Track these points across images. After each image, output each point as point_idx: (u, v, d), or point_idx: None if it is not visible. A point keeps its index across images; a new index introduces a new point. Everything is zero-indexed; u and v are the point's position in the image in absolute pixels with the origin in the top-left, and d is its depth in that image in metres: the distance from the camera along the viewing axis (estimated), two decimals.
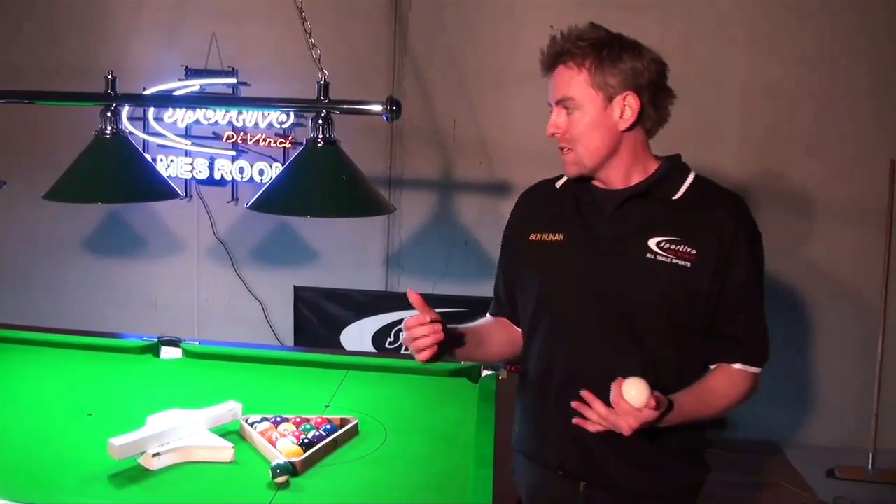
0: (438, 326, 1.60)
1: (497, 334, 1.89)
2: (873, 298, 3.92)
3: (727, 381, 1.65)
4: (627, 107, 1.60)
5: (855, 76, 3.92)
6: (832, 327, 4.10)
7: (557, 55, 1.62)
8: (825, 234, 4.06)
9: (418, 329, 1.60)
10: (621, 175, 1.66)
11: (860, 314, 4.02)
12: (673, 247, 1.60)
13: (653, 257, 1.60)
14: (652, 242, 1.61)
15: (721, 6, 3.97)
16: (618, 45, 1.60)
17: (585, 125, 1.61)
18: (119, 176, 2.32)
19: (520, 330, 1.86)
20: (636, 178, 1.66)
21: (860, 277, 4.03)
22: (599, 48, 1.59)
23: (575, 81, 1.60)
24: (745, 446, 4.02)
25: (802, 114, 4.00)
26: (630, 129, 1.62)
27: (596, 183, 1.70)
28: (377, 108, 2.08)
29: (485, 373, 2.46)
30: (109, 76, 2.30)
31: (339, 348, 4.00)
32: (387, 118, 2.10)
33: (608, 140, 1.62)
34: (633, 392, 1.45)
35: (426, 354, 1.61)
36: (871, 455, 3.84)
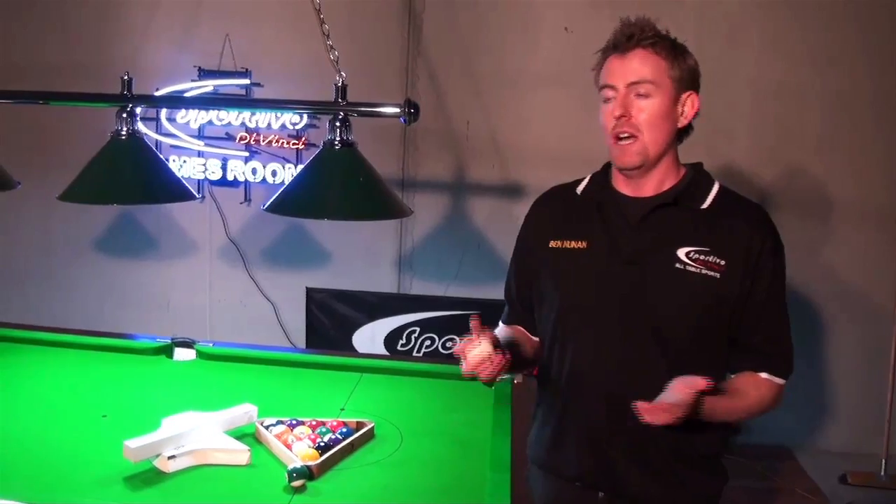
0: (499, 358, 1.56)
1: (525, 343, 1.86)
2: (885, 302, 3.89)
3: (755, 386, 1.64)
4: (689, 104, 1.61)
5: (864, 77, 3.89)
6: (843, 331, 4.07)
7: (637, 38, 1.58)
8: (836, 236, 4.03)
9: (476, 357, 1.56)
10: (658, 178, 1.64)
11: (871, 318, 3.99)
12: (703, 257, 1.58)
13: (682, 267, 1.58)
14: (681, 252, 1.59)
15: (731, 7, 3.95)
16: (680, 43, 1.61)
17: (658, 113, 1.58)
18: (135, 177, 2.32)
19: (536, 338, 1.84)
20: (667, 185, 1.65)
21: (872, 280, 4.00)
22: (671, 41, 1.59)
23: (657, 67, 1.58)
24: (758, 451, 3.99)
25: (812, 114, 3.97)
26: (681, 129, 1.63)
27: (622, 189, 1.68)
28: (395, 110, 2.07)
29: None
30: (125, 77, 2.30)
31: (351, 350, 3.99)
32: (404, 120, 2.09)
33: (670, 134, 1.62)
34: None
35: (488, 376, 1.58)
36: (883, 461, 3.81)
